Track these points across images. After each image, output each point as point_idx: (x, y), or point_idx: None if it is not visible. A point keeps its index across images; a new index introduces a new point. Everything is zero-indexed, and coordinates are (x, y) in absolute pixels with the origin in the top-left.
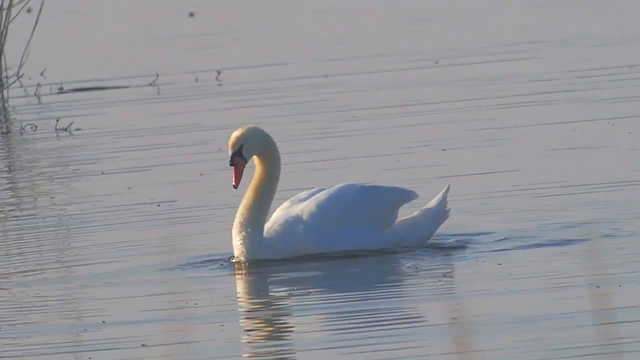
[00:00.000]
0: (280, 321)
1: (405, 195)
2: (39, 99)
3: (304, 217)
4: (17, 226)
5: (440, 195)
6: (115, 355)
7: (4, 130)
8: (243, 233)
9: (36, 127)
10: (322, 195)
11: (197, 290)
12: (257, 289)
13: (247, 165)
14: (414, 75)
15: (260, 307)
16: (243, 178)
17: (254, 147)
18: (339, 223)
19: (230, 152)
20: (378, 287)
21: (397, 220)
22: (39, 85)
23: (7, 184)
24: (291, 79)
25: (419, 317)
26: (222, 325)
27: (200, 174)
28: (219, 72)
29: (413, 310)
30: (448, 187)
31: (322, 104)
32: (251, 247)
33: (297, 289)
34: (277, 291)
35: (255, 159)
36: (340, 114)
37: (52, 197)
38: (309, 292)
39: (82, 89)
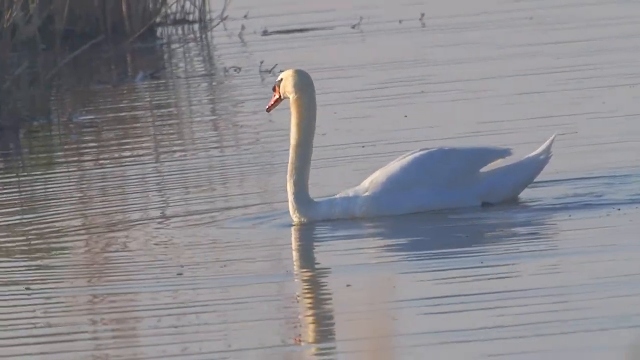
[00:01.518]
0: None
1: (485, 156)
2: (242, 41)
3: (371, 185)
4: (220, 163)
5: (543, 145)
6: (321, 296)
7: (208, 72)
8: (290, 195)
9: (240, 69)
10: (396, 162)
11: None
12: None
13: (280, 101)
14: (624, 11)
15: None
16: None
17: (286, 85)
18: (404, 187)
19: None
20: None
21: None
22: (242, 27)
23: (211, 123)
24: (494, 20)
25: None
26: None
27: (405, 116)
28: (422, 15)
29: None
30: (553, 138)
31: (524, 41)
32: (297, 208)
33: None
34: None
35: (291, 110)
36: (542, 51)
37: (257, 135)
38: (407, 250)
39: (285, 31)
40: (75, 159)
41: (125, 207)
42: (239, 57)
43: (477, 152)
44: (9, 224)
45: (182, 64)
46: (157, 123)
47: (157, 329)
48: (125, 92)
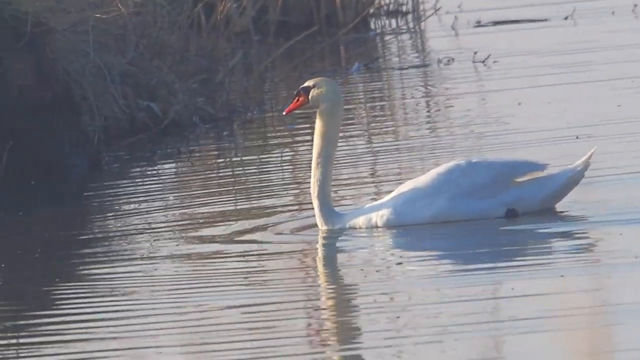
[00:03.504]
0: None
1: (511, 169)
2: (456, 32)
3: (395, 195)
4: (430, 152)
5: (583, 158)
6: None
7: (421, 62)
8: (316, 208)
9: (453, 59)
10: (424, 174)
11: None
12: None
13: (303, 107)
14: None
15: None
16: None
17: (319, 94)
18: (425, 197)
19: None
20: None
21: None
22: (456, 18)
23: (425, 112)
24: None
25: None
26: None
27: (619, 105)
28: (635, 5)
29: None
30: (593, 151)
31: None
32: (323, 219)
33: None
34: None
35: (317, 120)
36: None
37: (468, 120)
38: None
39: (499, 22)
40: (289, 148)
41: (336, 195)
42: (452, 48)
43: (506, 165)
44: (220, 212)
45: (395, 55)
46: (370, 113)
47: (296, 337)
48: (339, 82)
